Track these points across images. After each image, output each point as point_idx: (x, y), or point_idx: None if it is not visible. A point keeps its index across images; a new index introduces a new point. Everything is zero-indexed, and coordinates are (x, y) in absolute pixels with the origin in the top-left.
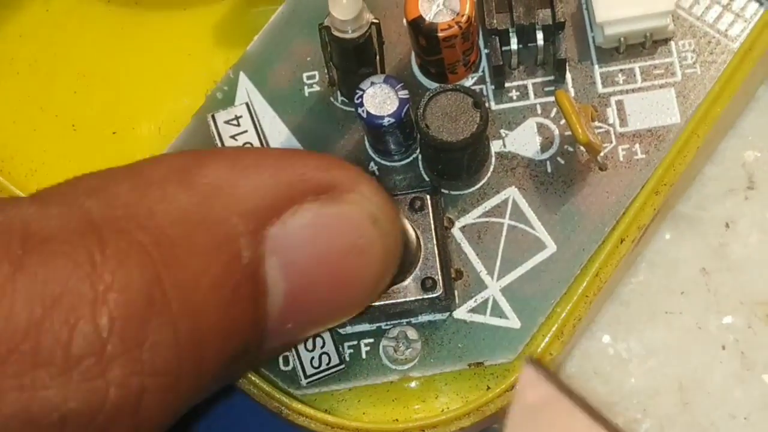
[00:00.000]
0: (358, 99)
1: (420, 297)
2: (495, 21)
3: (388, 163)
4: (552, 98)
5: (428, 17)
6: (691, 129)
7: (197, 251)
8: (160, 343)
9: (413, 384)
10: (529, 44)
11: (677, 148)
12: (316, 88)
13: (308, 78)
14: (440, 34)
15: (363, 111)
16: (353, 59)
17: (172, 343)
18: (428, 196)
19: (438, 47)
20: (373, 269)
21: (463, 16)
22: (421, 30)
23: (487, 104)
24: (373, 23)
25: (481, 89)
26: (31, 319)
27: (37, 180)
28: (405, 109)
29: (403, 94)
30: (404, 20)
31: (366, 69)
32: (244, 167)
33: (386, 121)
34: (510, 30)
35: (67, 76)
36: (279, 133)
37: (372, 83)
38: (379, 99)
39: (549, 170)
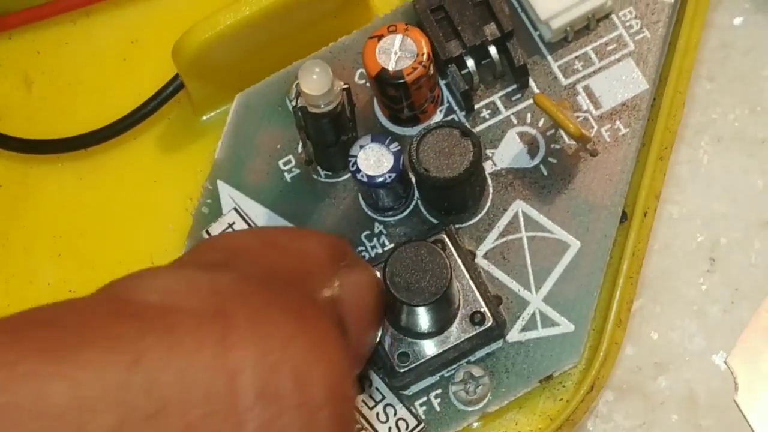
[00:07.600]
0: (353, 166)
1: (474, 333)
2: (448, 49)
3: (390, 219)
4: (523, 105)
5: (391, 67)
6: (673, 87)
7: None
8: None
9: (476, 424)
10: (483, 62)
11: (666, 110)
12: (295, 171)
13: (284, 164)
14: (408, 79)
15: (362, 176)
16: (331, 131)
17: None
18: (445, 236)
19: (408, 92)
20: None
21: (423, 55)
22: (388, 81)
23: None
24: (343, 89)
25: (453, 119)
26: None
27: None
28: (402, 161)
29: (394, 147)
30: (366, 77)
31: (345, 136)
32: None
33: (388, 178)
34: (464, 53)
35: (44, 240)
36: (277, 226)
37: (361, 146)
38: (374, 159)
39: (545, 173)
